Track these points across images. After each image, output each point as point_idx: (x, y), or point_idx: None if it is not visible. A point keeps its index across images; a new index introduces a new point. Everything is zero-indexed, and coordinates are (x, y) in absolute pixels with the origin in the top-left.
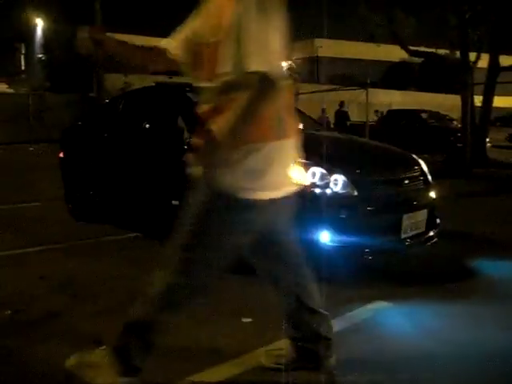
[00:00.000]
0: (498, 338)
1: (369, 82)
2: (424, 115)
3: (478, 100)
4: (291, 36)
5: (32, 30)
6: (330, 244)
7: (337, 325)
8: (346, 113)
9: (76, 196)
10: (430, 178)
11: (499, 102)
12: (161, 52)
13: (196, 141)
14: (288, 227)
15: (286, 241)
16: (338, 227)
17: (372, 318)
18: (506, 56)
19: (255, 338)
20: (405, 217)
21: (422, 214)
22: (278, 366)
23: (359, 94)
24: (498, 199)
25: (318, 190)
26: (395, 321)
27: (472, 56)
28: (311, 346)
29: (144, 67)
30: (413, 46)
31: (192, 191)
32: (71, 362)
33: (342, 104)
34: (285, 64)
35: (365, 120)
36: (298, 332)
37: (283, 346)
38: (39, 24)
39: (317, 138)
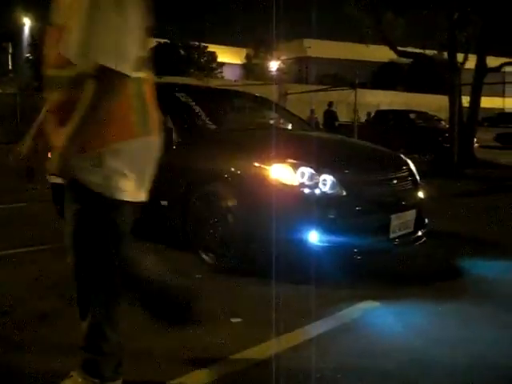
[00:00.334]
0: (487, 337)
1: (357, 82)
2: (412, 115)
3: (465, 100)
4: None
5: (19, 29)
6: (318, 244)
7: (326, 324)
8: (335, 113)
9: (64, 197)
10: (418, 178)
11: (486, 102)
12: None
13: (50, 141)
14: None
15: None
16: (326, 227)
17: (361, 318)
18: (492, 57)
19: (245, 338)
20: (393, 217)
21: (411, 214)
22: None
23: (348, 95)
24: (485, 199)
25: (306, 190)
26: (385, 320)
27: (460, 57)
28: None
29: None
30: (401, 46)
31: (66, 193)
32: None
33: (330, 104)
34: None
35: (353, 120)
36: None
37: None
38: (27, 23)
39: (306, 138)
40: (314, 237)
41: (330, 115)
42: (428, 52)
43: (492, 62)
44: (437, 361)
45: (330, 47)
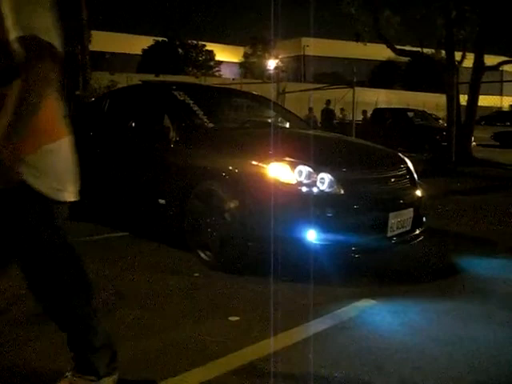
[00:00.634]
0: (485, 335)
1: (355, 80)
2: (410, 114)
3: (463, 99)
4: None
5: None
6: (316, 242)
7: (324, 323)
8: (333, 111)
9: None
10: (415, 176)
11: (484, 101)
12: None
13: None
14: None
15: None
16: (324, 225)
17: (359, 316)
18: (490, 55)
19: (242, 337)
20: (391, 215)
21: (408, 213)
22: None
23: (346, 93)
24: (483, 197)
25: (304, 189)
26: (382, 318)
27: (457, 55)
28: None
29: None
30: (399, 45)
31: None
32: None
33: (328, 102)
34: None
35: (351, 118)
36: None
37: None
38: None
39: (304, 136)
40: (311, 235)
41: (328, 113)
42: (426, 50)
43: (490, 60)
44: (434, 359)
45: (328, 46)
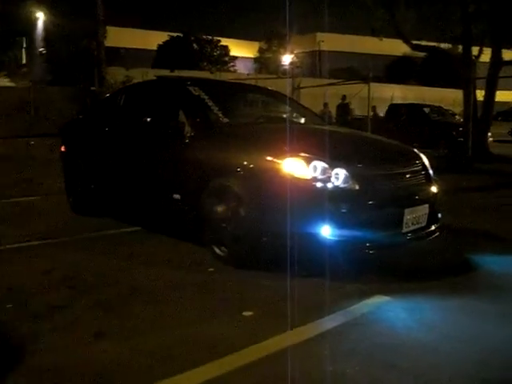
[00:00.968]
0: (500, 333)
1: (371, 76)
2: (426, 109)
3: (480, 94)
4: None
5: (33, 23)
6: (331, 238)
7: (337, 319)
8: (348, 107)
9: (77, 190)
10: (431, 172)
11: (501, 96)
12: None
13: None
14: None
15: None
16: (339, 221)
17: (373, 313)
18: (508, 50)
19: (256, 332)
20: (406, 211)
21: (424, 209)
22: None
23: (361, 88)
24: (499, 194)
25: (319, 184)
26: (396, 315)
27: (474, 50)
28: None
29: None
30: (415, 40)
31: None
32: None
33: (343, 98)
34: None
35: (366, 114)
36: None
37: None
38: (40, 18)
39: (318, 132)
40: (326, 231)
41: (344, 109)
42: (442, 45)
43: (508, 55)
44: (448, 356)
45: (344, 41)
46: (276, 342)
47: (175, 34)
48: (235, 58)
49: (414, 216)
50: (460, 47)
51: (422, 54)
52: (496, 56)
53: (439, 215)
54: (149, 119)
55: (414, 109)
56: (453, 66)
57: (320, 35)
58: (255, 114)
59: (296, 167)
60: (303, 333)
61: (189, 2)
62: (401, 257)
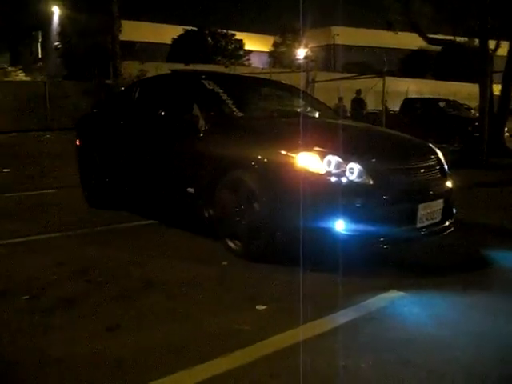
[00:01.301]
0: None
1: (386, 70)
2: (441, 104)
3: (496, 89)
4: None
5: (49, 18)
6: (345, 233)
7: (351, 313)
8: (363, 101)
9: (92, 183)
10: (446, 167)
11: None
12: None
13: None
14: None
15: None
16: (353, 216)
17: (386, 308)
18: None
19: (269, 326)
20: (420, 206)
21: (438, 204)
22: None
23: (376, 82)
24: None
25: (333, 179)
26: (410, 310)
27: (491, 44)
28: None
29: None
30: (431, 33)
31: None
32: None
33: (358, 92)
34: None
35: (380, 108)
36: None
37: None
38: (56, 12)
39: (333, 126)
40: (340, 225)
41: (358, 103)
42: (458, 39)
43: None
44: (461, 352)
45: (359, 35)
46: (289, 336)
47: (190, 28)
48: (250, 51)
49: (429, 211)
50: (476, 41)
51: (437, 48)
52: None
53: (454, 210)
54: (163, 113)
55: (429, 103)
56: (469, 59)
57: (335, 29)
58: (269, 108)
59: (310, 161)
60: (316, 327)
61: None
62: (415, 252)
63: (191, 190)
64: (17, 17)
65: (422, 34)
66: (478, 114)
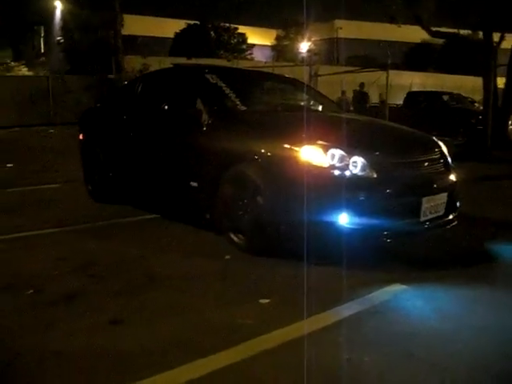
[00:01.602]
0: None
1: (389, 63)
2: (445, 97)
3: (500, 82)
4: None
5: (51, 12)
6: (348, 226)
7: (355, 307)
8: (366, 94)
9: (95, 177)
10: (450, 160)
11: None
12: None
13: None
14: None
15: None
16: (356, 209)
17: (390, 301)
18: None
19: (273, 319)
20: (424, 200)
21: (442, 197)
22: None
23: (379, 76)
24: None
25: (337, 172)
26: (413, 304)
27: (495, 36)
28: None
29: None
30: (434, 26)
31: None
32: None
33: (362, 85)
34: None
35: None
36: None
37: None
38: (58, 6)
39: (336, 119)
40: (343, 219)
41: (362, 97)
42: (462, 32)
43: None
44: (464, 345)
45: (362, 28)
46: (293, 330)
47: (192, 22)
48: (252, 45)
49: (432, 205)
50: (480, 34)
51: (441, 41)
52: None
53: (457, 204)
54: (166, 107)
55: (432, 96)
56: (473, 52)
57: (338, 22)
58: (272, 101)
59: (313, 155)
60: (320, 320)
61: None
62: (419, 245)
63: (194, 184)
64: (19, 12)
65: (426, 27)
66: (481, 108)
